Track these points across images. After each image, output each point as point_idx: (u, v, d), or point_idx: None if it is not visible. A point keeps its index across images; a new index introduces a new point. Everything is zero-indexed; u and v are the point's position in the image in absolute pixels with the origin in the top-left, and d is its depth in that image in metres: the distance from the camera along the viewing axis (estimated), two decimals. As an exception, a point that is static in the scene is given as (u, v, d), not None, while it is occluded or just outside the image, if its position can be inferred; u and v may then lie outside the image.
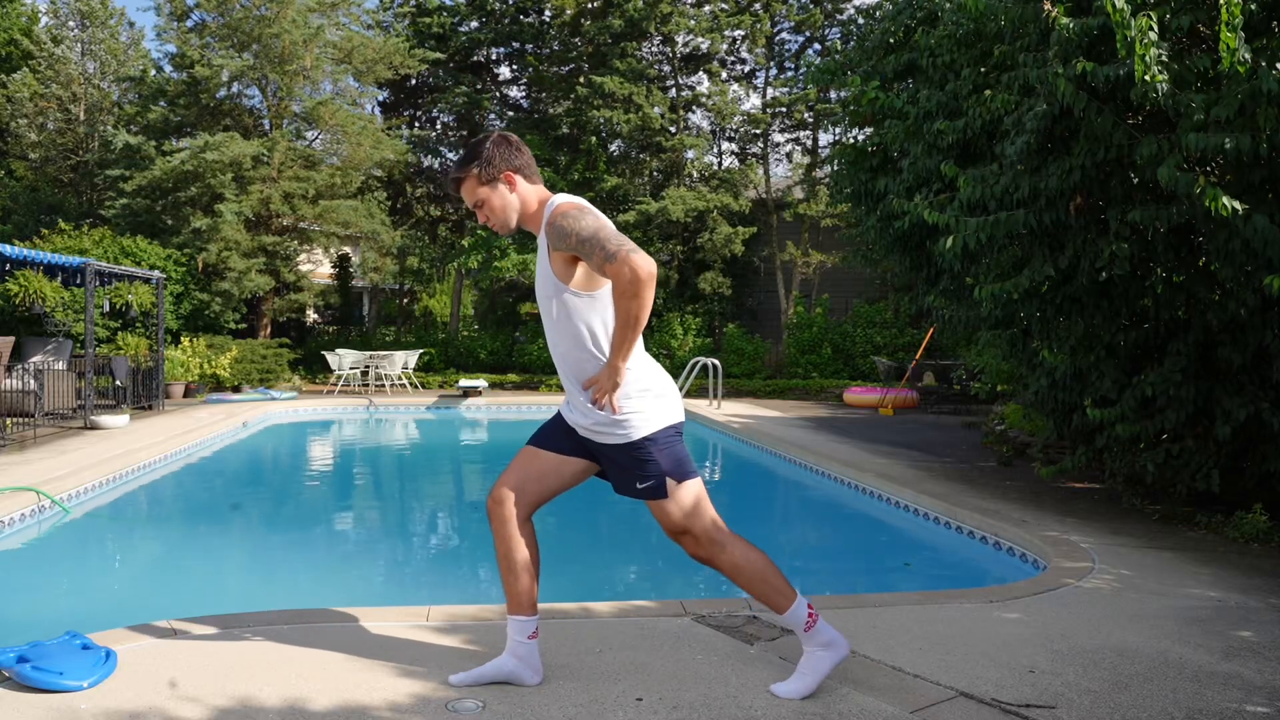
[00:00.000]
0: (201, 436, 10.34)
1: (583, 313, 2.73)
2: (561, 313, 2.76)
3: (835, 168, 8.49)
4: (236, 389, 16.13)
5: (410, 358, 17.56)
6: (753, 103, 30.48)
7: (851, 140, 8.17)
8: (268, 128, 19.06)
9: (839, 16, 20.43)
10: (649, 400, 2.75)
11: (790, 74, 21.43)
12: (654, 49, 21.71)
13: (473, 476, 10.21)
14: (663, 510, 2.80)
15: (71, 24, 21.70)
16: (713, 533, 2.81)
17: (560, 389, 16.33)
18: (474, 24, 22.28)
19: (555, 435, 2.93)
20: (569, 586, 4.94)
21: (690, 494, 2.79)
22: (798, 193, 20.88)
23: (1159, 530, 5.62)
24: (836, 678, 3.01)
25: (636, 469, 2.77)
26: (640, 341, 2.80)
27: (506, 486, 2.88)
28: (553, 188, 20.22)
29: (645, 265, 2.50)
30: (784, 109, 20.97)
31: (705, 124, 21.92)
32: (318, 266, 22.60)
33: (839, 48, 18.65)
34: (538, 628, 2.92)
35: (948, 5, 6.72)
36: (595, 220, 2.63)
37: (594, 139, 20.48)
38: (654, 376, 2.80)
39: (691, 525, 2.79)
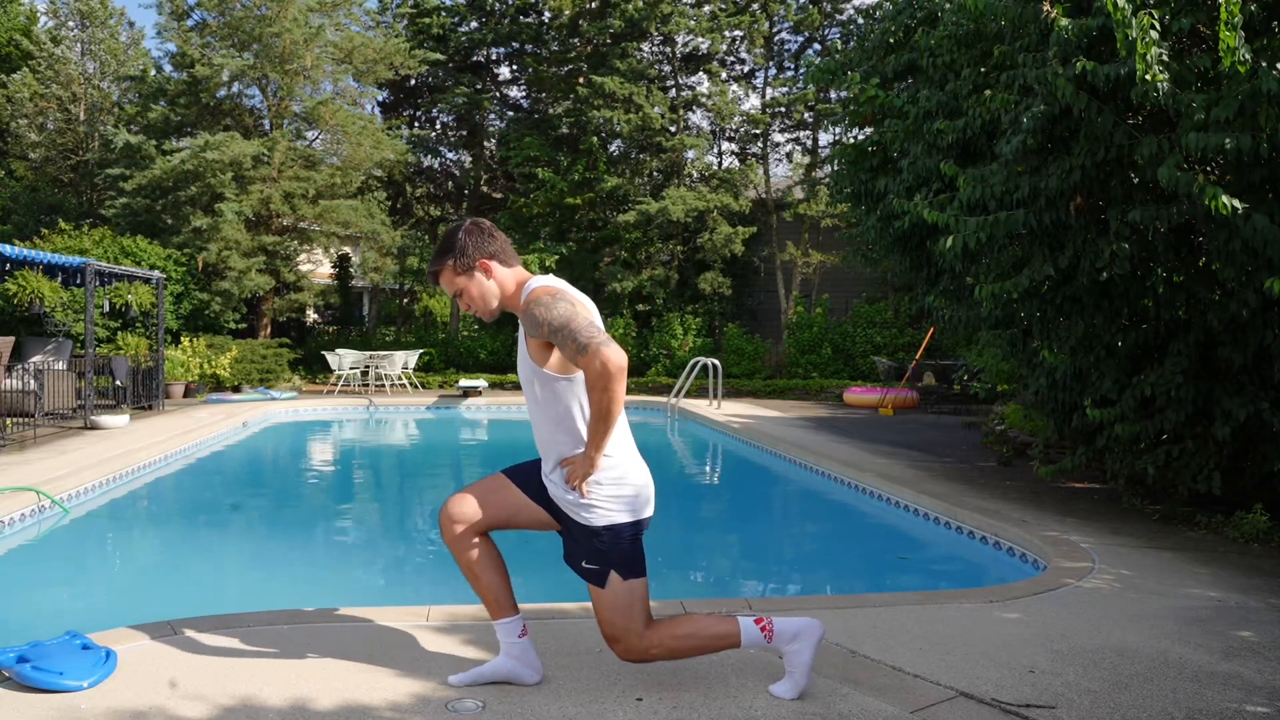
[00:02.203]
0: (201, 436, 10.34)
1: (561, 396, 2.71)
2: (541, 394, 2.74)
3: (835, 168, 8.48)
4: (236, 389, 16.12)
5: (410, 358, 17.56)
6: (752, 103, 30.44)
7: (851, 140, 8.17)
8: (268, 127, 19.06)
9: (838, 17, 20.45)
10: (621, 491, 2.73)
11: (790, 74, 21.45)
12: (654, 49, 21.72)
13: (473, 477, 10.20)
14: (599, 599, 2.79)
15: (71, 24, 21.69)
16: (639, 638, 2.78)
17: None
18: (473, 24, 22.29)
19: (530, 478, 2.90)
20: (569, 586, 4.91)
21: (630, 593, 2.77)
22: (798, 193, 20.87)
23: (1159, 530, 5.62)
24: (836, 678, 3.01)
25: (588, 550, 2.77)
26: (627, 430, 2.79)
27: (463, 505, 2.86)
28: (553, 188, 20.43)
29: (616, 359, 2.47)
30: (784, 109, 20.98)
31: (705, 124, 21.92)
32: (318, 266, 22.58)
33: (838, 47, 18.64)
34: (525, 625, 2.92)
35: (948, 5, 6.72)
36: (568, 308, 2.59)
37: (594, 139, 20.47)
38: (630, 467, 2.76)
39: (623, 623, 2.77)
